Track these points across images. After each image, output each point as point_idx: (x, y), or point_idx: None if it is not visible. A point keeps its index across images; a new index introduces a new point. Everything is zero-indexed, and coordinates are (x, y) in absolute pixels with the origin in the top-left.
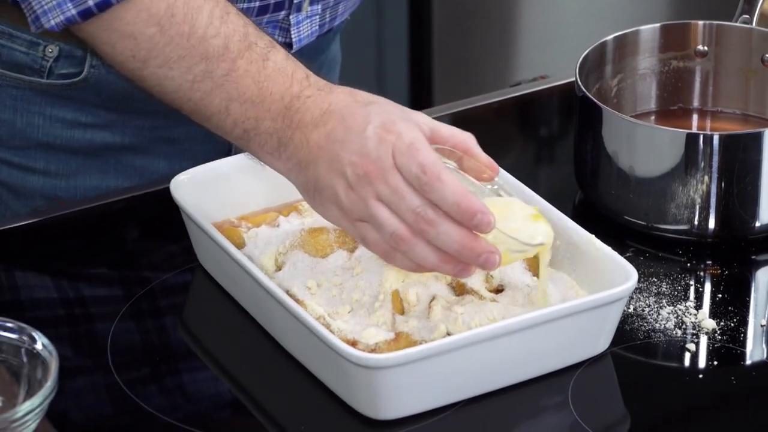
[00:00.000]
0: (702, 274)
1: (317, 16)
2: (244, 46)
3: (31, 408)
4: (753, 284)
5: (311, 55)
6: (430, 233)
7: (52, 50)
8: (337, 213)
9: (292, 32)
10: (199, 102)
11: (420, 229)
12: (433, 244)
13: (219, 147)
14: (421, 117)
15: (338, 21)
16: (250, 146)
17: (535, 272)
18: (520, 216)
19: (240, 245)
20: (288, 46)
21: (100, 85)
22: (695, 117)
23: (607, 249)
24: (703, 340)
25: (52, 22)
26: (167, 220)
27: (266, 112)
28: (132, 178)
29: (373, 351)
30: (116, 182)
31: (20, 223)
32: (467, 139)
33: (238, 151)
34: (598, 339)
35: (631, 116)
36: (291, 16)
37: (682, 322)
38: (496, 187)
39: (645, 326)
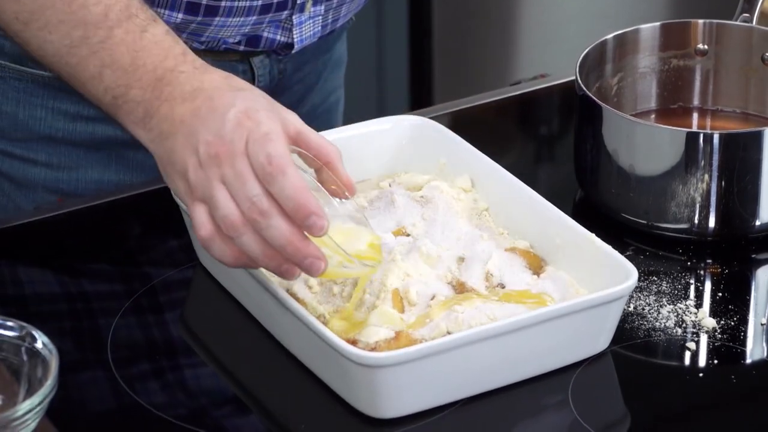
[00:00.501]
0: (702, 272)
1: (320, 17)
2: (125, 16)
3: (31, 407)
4: (753, 283)
5: (314, 55)
6: (261, 224)
7: None
8: (183, 188)
9: (294, 32)
10: (76, 67)
11: (252, 218)
12: (262, 236)
13: None
14: (291, 116)
15: (341, 22)
16: (118, 113)
17: (535, 271)
18: (362, 241)
19: None
20: (289, 46)
21: None
22: (695, 116)
23: (607, 247)
24: (704, 339)
25: None
26: (169, 218)
27: (137, 81)
28: (133, 172)
29: (373, 349)
30: (117, 176)
31: (24, 221)
32: (332, 152)
33: None
34: (598, 338)
35: (632, 115)
36: (294, 17)
37: (683, 321)
38: (349, 207)
39: (645, 325)
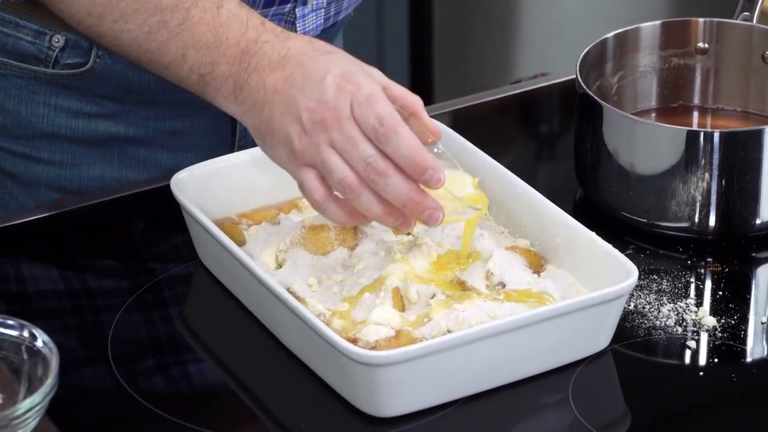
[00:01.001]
0: (702, 271)
1: (322, 10)
2: None
3: (31, 405)
4: (753, 281)
5: None
6: (380, 183)
7: (58, 40)
8: (286, 156)
9: (298, 25)
10: (156, 52)
11: (370, 179)
12: (380, 194)
13: (223, 140)
14: (375, 72)
15: (342, 15)
16: (206, 90)
17: (536, 269)
18: (466, 184)
19: (240, 243)
20: None
21: (105, 75)
22: (696, 114)
23: (608, 246)
24: (704, 338)
25: None
26: (170, 216)
27: (222, 57)
28: (135, 169)
29: (373, 348)
30: (120, 173)
31: (27, 219)
32: (416, 102)
33: (241, 144)
34: (598, 336)
35: (632, 113)
36: (297, 9)
37: (683, 320)
38: (438, 151)
39: (645, 323)
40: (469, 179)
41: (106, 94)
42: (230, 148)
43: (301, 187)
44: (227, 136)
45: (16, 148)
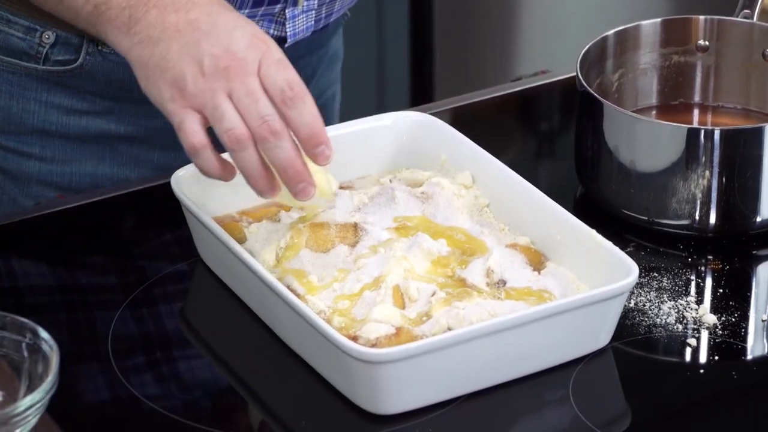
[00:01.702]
0: (703, 269)
1: (313, 12)
2: None
3: (31, 403)
4: (754, 279)
5: (308, 50)
6: (270, 142)
7: (49, 36)
8: (170, 95)
9: (287, 26)
10: None
11: (262, 136)
12: (266, 154)
13: (215, 138)
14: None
15: (334, 17)
16: (99, 21)
17: (536, 267)
18: (331, 179)
19: (241, 240)
20: (282, 39)
21: (96, 72)
22: (696, 112)
23: (608, 244)
24: (704, 335)
25: None
26: (170, 214)
27: None
28: (127, 167)
29: (373, 346)
30: (111, 170)
31: (23, 217)
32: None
33: None
34: (599, 334)
35: (632, 111)
36: (287, 10)
37: (683, 317)
38: None
39: (646, 321)
40: (334, 181)
41: (97, 91)
42: (222, 147)
43: (179, 128)
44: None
45: (8, 143)
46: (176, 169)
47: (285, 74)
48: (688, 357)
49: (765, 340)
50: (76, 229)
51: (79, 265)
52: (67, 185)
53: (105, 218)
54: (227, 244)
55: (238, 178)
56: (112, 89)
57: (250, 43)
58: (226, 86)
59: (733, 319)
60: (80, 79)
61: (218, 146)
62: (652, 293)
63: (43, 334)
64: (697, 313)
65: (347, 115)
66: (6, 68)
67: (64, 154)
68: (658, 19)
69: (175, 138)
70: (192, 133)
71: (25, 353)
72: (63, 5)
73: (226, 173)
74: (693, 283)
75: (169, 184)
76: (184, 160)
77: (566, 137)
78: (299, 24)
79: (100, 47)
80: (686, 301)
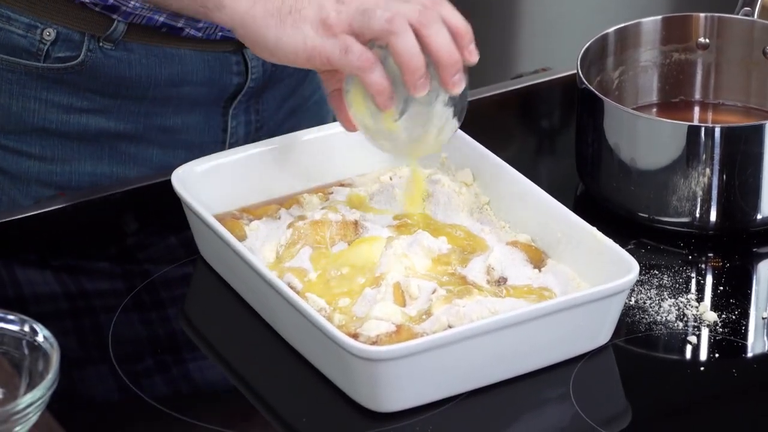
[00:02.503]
0: (703, 266)
1: None
2: None
3: (32, 400)
4: (754, 277)
5: None
6: (433, 26)
7: (50, 33)
8: (314, 31)
9: None
10: None
11: (424, 21)
12: (429, 41)
13: (214, 137)
14: None
15: None
16: None
17: (537, 264)
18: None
19: (241, 237)
20: None
21: (97, 69)
22: (697, 109)
23: (609, 241)
24: (705, 333)
25: None
26: (169, 212)
27: None
28: (126, 165)
29: (374, 343)
30: (110, 169)
31: (22, 215)
32: None
33: (232, 142)
34: (599, 331)
35: (633, 108)
36: None
37: (684, 315)
38: None
39: (646, 319)
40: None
41: (97, 89)
42: (222, 146)
43: (346, 52)
44: (218, 133)
45: (7, 143)
46: (175, 167)
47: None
48: (688, 354)
49: (765, 338)
50: (77, 227)
51: (79, 263)
52: (67, 185)
53: (106, 216)
54: (228, 241)
55: (239, 174)
56: (112, 87)
57: None
58: (370, 1)
59: (734, 317)
60: (80, 76)
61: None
62: (652, 291)
63: (44, 331)
64: (697, 311)
65: None
66: (6, 66)
67: (63, 153)
68: (659, 17)
69: (175, 137)
70: (361, 51)
71: (26, 351)
72: None
73: (390, 93)
74: (693, 281)
75: (169, 181)
76: (183, 159)
77: (567, 135)
78: None
79: (101, 44)
80: (687, 298)
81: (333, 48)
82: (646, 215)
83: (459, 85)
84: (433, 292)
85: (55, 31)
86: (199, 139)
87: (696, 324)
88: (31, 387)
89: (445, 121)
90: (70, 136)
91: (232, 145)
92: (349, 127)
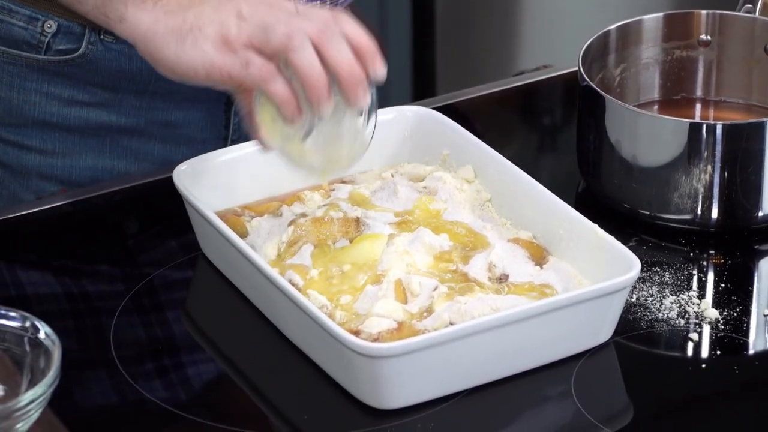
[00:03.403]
0: (705, 263)
1: (317, 2)
2: None
3: (33, 397)
4: (756, 274)
5: None
6: (332, 42)
7: (51, 26)
8: (215, 48)
9: None
10: None
11: (324, 37)
12: (328, 55)
13: (216, 133)
14: None
15: (339, 6)
16: (107, 6)
17: (538, 261)
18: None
19: (243, 234)
20: None
21: (98, 62)
22: (698, 106)
23: (610, 238)
24: (706, 330)
25: None
26: (170, 209)
27: None
28: (127, 160)
29: (376, 340)
30: (111, 163)
31: (24, 212)
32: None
33: (234, 138)
34: (600, 329)
35: (634, 106)
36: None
37: (685, 312)
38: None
39: (648, 316)
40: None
41: (98, 82)
42: (224, 142)
43: (247, 66)
44: (220, 129)
45: (8, 136)
46: (177, 163)
47: (324, 9)
48: (689, 352)
49: (767, 335)
50: (78, 224)
51: (80, 261)
52: (68, 179)
53: (106, 213)
54: (229, 238)
55: (240, 171)
56: (112, 80)
57: None
58: (270, 17)
59: (735, 314)
60: (81, 69)
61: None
62: (654, 288)
63: (45, 328)
64: (699, 308)
65: None
66: (7, 59)
67: (64, 146)
68: (660, 14)
69: (176, 132)
70: (262, 63)
71: (27, 348)
72: None
73: (295, 103)
74: (695, 278)
75: (170, 178)
76: (185, 154)
77: (568, 132)
78: None
79: (102, 36)
80: (688, 295)
81: (233, 63)
82: (648, 212)
83: (361, 100)
84: (435, 289)
85: (56, 23)
86: (201, 135)
87: (697, 321)
88: (32, 384)
89: (355, 137)
90: (71, 130)
91: (233, 142)
92: (265, 147)
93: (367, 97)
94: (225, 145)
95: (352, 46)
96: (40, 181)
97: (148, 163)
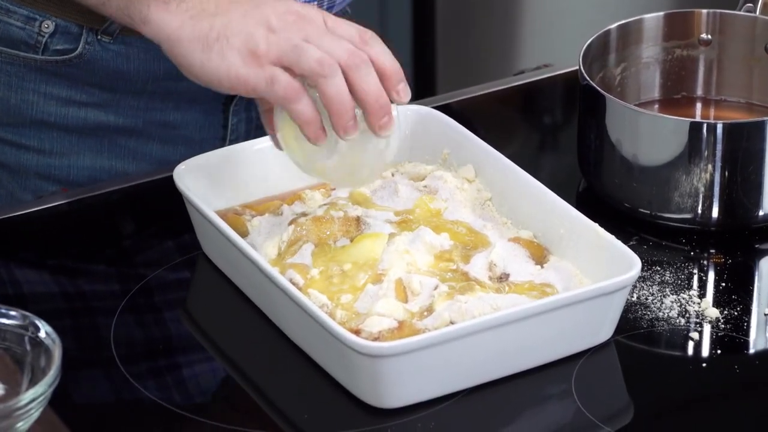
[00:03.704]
0: (705, 262)
1: (314, 2)
2: None
3: (34, 396)
4: (756, 273)
5: None
6: (362, 69)
7: (48, 26)
8: (242, 60)
9: None
10: None
11: (354, 63)
12: (357, 83)
13: (214, 133)
14: None
15: (335, 10)
16: (136, 2)
17: (539, 261)
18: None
19: (243, 234)
20: None
21: (95, 62)
22: (699, 105)
23: (611, 237)
24: (707, 329)
25: None
26: (170, 209)
27: None
28: (125, 160)
29: (376, 339)
30: (109, 163)
31: (25, 211)
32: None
33: (232, 139)
34: (601, 328)
35: (635, 105)
36: None
37: (686, 311)
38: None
39: (648, 315)
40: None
41: (96, 82)
42: (222, 142)
43: (272, 83)
44: (219, 129)
45: (6, 135)
46: (175, 163)
47: (351, 25)
48: (690, 351)
49: (767, 334)
50: (78, 224)
51: (80, 260)
52: (66, 178)
53: (107, 212)
54: (230, 237)
55: (241, 170)
56: (110, 80)
57: (306, 4)
58: (301, 34)
59: (736, 313)
60: (79, 69)
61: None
62: (654, 287)
63: (46, 327)
64: (699, 307)
65: None
66: (5, 59)
67: (62, 146)
68: (661, 13)
69: (174, 132)
70: (288, 82)
71: (28, 347)
72: None
73: (319, 125)
74: (695, 277)
75: (170, 178)
76: (183, 154)
77: (569, 131)
78: None
79: (99, 37)
80: (689, 294)
81: (258, 78)
82: (648, 211)
83: (387, 128)
84: (435, 289)
85: (54, 23)
86: (200, 135)
87: (698, 320)
88: (33, 383)
89: (377, 156)
90: (69, 130)
91: (232, 142)
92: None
93: (391, 126)
94: (223, 146)
95: (378, 71)
96: (38, 181)
97: (146, 163)
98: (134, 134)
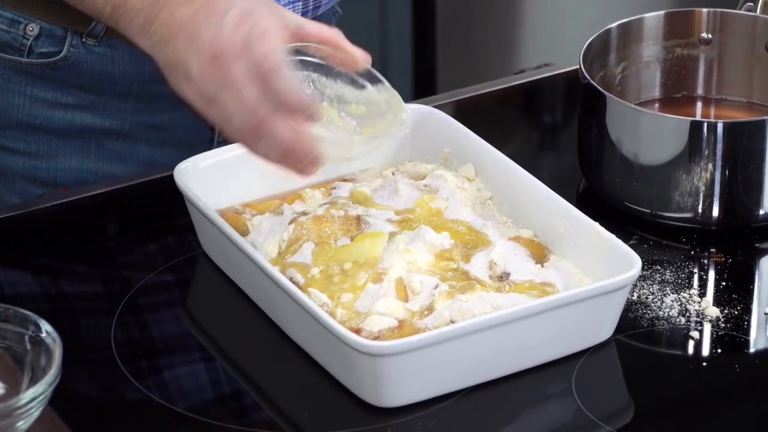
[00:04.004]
0: (706, 261)
1: (300, 2)
2: None
3: (34, 395)
4: (757, 272)
5: None
6: (259, 132)
7: (33, 29)
8: (190, 92)
9: None
10: None
11: (252, 128)
12: (264, 144)
13: (202, 135)
14: (290, 14)
15: (322, 9)
16: (119, 24)
17: (539, 260)
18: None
19: (244, 233)
20: None
21: (80, 65)
22: (699, 105)
23: (611, 237)
24: (707, 328)
25: None
26: (170, 208)
27: None
28: (113, 162)
29: (376, 338)
30: (96, 165)
31: (24, 211)
32: (335, 34)
33: (220, 140)
34: (601, 327)
35: (635, 104)
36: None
37: (686, 310)
38: (368, 69)
39: (649, 314)
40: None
41: (81, 84)
42: (210, 144)
43: (228, 122)
44: (205, 131)
45: None
46: (163, 164)
47: (262, 48)
48: (690, 350)
49: (767, 333)
50: (77, 224)
51: (81, 259)
52: (53, 181)
53: (107, 212)
54: (230, 237)
55: (241, 170)
56: (96, 83)
57: (235, 24)
58: (221, 75)
59: (736, 312)
60: (64, 72)
61: None
62: (654, 286)
63: (46, 326)
64: (699, 306)
65: None
66: None
67: (48, 148)
68: (661, 12)
69: (161, 134)
70: (240, 125)
71: (28, 346)
72: (85, 5)
73: (290, 159)
74: (696, 276)
75: (170, 177)
76: (171, 156)
77: (569, 130)
78: None
79: (84, 39)
80: (689, 293)
81: (214, 116)
82: (649, 210)
83: (312, 165)
84: (436, 288)
85: (38, 26)
86: (187, 137)
87: (698, 319)
88: (33, 382)
89: (389, 106)
90: (56, 132)
91: (220, 144)
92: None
93: (315, 166)
94: (211, 147)
95: (286, 103)
96: (24, 184)
97: (134, 165)
98: (121, 136)
